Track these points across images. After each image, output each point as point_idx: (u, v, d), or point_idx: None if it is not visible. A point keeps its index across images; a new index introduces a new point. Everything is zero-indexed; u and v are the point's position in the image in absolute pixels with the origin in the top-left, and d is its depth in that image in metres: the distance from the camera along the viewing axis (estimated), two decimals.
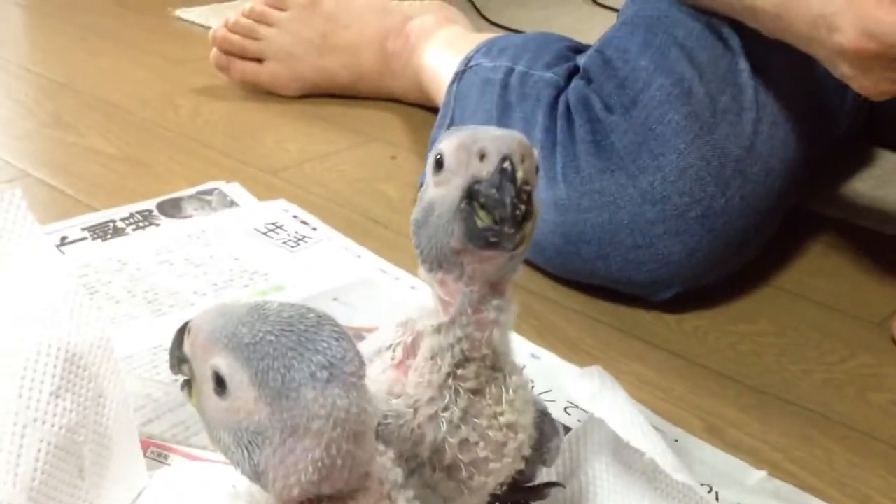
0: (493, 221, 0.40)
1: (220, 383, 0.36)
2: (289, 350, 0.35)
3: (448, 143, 0.42)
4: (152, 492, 0.50)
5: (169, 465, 0.54)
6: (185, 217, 0.88)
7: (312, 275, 0.80)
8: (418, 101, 1.16)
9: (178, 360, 0.39)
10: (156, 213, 0.88)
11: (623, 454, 0.54)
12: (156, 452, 0.55)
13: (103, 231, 0.84)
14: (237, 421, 0.36)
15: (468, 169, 0.41)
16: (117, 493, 0.48)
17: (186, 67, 1.27)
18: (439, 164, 0.42)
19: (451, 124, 0.94)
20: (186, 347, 0.38)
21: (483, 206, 0.40)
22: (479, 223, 0.40)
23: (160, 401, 0.62)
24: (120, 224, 0.85)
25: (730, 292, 0.82)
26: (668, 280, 0.78)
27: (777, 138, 0.80)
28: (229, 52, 1.18)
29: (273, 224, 0.88)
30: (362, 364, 0.36)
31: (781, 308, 0.81)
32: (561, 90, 0.84)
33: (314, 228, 0.88)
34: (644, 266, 0.78)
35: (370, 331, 0.73)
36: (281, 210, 0.90)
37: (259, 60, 1.18)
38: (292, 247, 0.84)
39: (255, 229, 0.87)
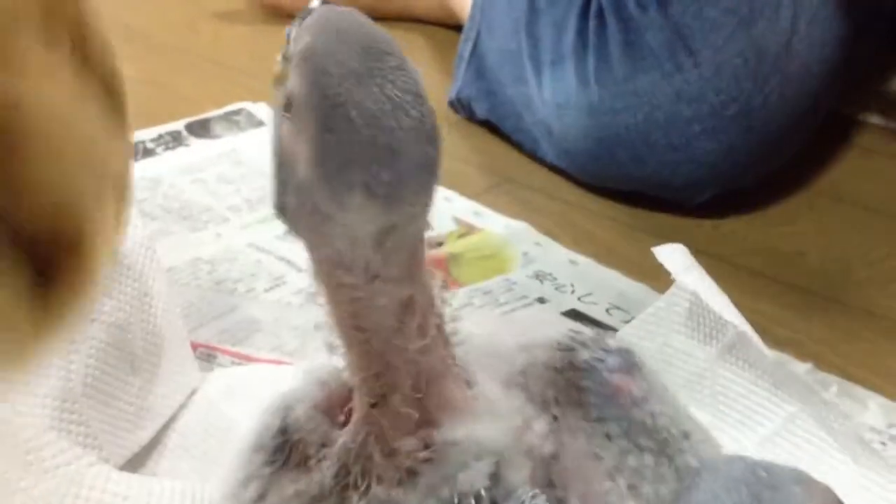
0: None
1: (287, 107, 0.34)
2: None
3: None
4: (206, 391, 0.50)
5: (219, 365, 0.54)
6: (215, 137, 0.88)
7: None
8: (440, 21, 1.14)
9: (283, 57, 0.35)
10: (185, 133, 0.88)
11: (709, 326, 0.53)
12: (205, 353, 0.55)
13: (134, 152, 0.84)
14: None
15: None
16: (170, 389, 0.48)
17: None
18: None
19: (477, 38, 0.92)
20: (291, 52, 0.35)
21: None
22: None
23: (203, 310, 0.62)
24: (150, 145, 0.85)
25: (766, 197, 0.81)
26: (704, 182, 0.77)
27: (815, 36, 0.78)
28: None
29: None
30: None
31: (821, 210, 0.80)
32: None
33: None
34: (680, 168, 0.77)
35: None
36: None
37: None
38: None
39: None
